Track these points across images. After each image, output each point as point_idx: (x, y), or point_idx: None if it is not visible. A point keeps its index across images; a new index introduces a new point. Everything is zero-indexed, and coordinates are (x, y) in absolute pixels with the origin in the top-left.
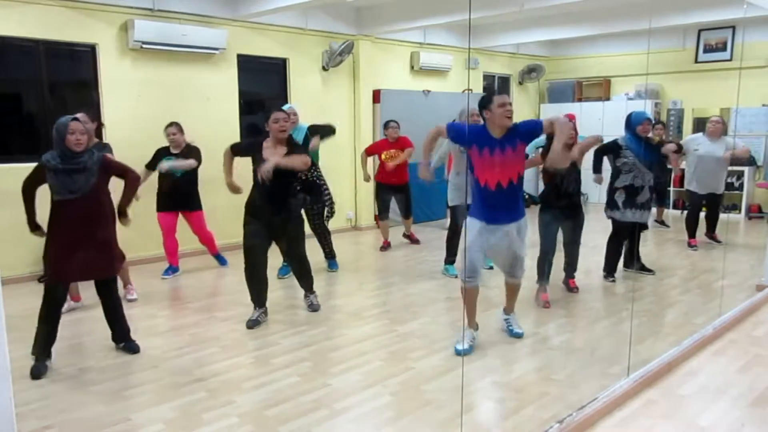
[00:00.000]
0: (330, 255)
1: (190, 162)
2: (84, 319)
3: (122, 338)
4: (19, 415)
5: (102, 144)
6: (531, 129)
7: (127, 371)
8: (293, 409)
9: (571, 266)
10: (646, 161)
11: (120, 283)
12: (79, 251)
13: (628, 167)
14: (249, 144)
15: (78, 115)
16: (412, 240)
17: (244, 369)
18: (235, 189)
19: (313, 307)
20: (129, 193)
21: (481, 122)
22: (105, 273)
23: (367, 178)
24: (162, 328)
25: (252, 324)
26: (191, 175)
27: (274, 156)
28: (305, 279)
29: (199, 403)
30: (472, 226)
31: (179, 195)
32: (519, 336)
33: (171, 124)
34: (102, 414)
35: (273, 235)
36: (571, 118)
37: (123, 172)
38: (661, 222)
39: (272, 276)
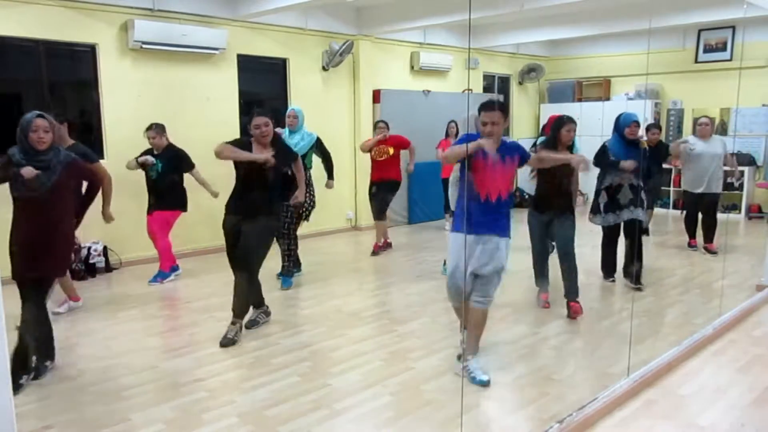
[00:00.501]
0: (288, 268)
1: (198, 174)
2: (84, 319)
3: (36, 354)
4: (19, 415)
5: (73, 144)
6: (521, 156)
7: (127, 371)
8: (293, 409)
9: (571, 283)
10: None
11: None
12: (33, 250)
13: (610, 168)
14: (240, 144)
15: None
16: (386, 244)
17: (244, 369)
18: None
19: (251, 323)
20: (105, 197)
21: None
22: (48, 271)
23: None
24: (162, 328)
25: (250, 324)
26: (169, 176)
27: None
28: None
29: (199, 403)
30: (456, 242)
31: (157, 194)
32: (484, 384)
33: (149, 127)
34: (102, 414)
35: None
36: (553, 119)
37: (91, 175)
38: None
39: (273, 276)
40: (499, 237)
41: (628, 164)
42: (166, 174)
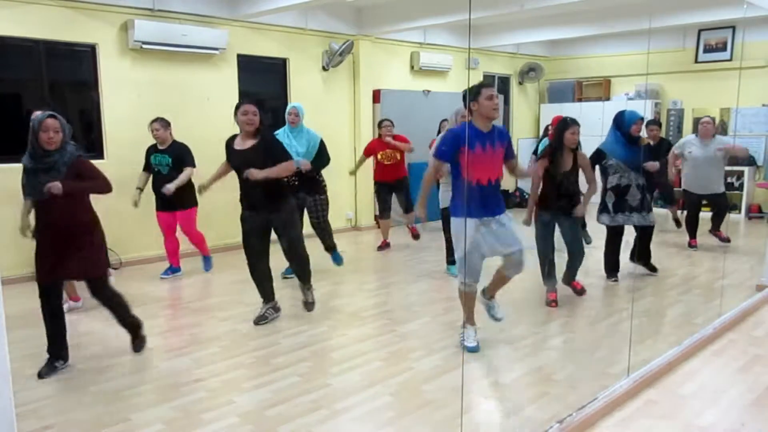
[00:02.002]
0: (330, 248)
1: (187, 173)
2: (83, 319)
3: (131, 334)
4: (19, 415)
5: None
6: (507, 140)
7: (127, 371)
8: (293, 409)
9: (573, 267)
10: (632, 161)
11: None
12: (56, 252)
13: (613, 168)
14: (229, 144)
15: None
16: (413, 234)
17: (244, 369)
18: (202, 190)
19: (308, 306)
20: (88, 187)
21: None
22: (87, 273)
23: (351, 172)
24: (162, 328)
25: (258, 320)
26: (177, 173)
27: (243, 146)
28: (303, 275)
29: (199, 403)
30: (461, 226)
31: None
32: (498, 319)
33: (155, 120)
34: (102, 414)
35: (269, 230)
36: (556, 120)
37: (93, 177)
38: (675, 221)
39: (276, 275)
40: (499, 215)
41: (650, 165)
42: (176, 169)
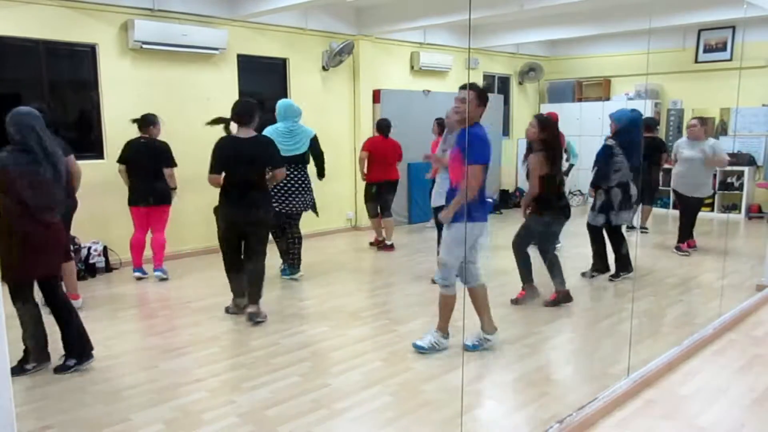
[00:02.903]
0: (292, 262)
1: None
2: (84, 319)
3: (67, 350)
4: (19, 415)
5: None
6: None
7: (127, 371)
8: (293, 409)
9: (557, 275)
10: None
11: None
12: (26, 249)
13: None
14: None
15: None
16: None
17: (244, 369)
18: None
19: (253, 318)
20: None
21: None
22: (40, 272)
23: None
24: (162, 328)
25: (228, 310)
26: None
27: None
28: (255, 285)
29: (199, 403)
30: (456, 230)
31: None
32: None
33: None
34: (102, 414)
35: (240, 229)
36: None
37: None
38: (637, 226)
39: (274, 275)
40: (483, 222)
41: None
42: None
